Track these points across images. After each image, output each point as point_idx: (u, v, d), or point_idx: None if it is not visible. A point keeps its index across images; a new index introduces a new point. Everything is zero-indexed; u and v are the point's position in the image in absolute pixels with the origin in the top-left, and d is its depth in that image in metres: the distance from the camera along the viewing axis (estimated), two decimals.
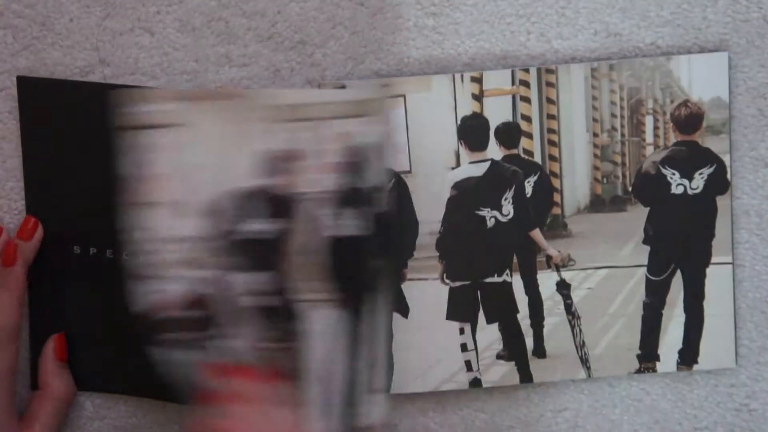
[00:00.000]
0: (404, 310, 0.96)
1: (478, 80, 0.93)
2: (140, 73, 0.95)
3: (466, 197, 0.95)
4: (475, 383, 0.96)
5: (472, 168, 0.95)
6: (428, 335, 0.96)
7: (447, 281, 0.96)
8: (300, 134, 0.82)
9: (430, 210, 0.95)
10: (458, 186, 0.95)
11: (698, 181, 0.93)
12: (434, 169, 0.95)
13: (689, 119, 0.92)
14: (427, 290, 0.96)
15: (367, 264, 0.87)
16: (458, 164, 0.95)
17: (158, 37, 0.95)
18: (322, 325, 0.84)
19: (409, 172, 0.95)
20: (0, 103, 0.96)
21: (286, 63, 0.95)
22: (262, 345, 0.82)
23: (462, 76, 0.93)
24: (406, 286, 0.96)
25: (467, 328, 0.96)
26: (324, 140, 0.83)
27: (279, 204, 0.83)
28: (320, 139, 0.83)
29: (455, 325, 0.96)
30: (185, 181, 0.82)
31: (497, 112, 0.94)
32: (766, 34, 0.91)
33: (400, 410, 0.98)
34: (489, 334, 0.97)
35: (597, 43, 0.92)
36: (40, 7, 0.95)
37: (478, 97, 0.93)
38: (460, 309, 0.96)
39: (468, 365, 0.96)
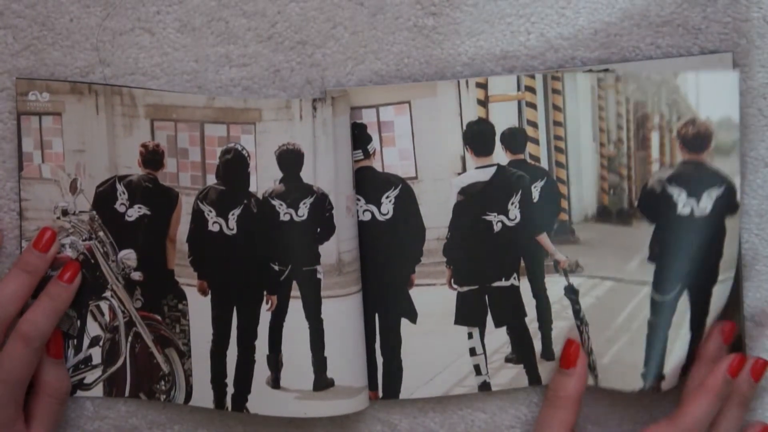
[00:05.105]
0: (413, 316, 0.92)
1: (483, 86, 0.89)
2: (140, 73, 0.91)
3: (473, 202, 0.90)
4: (484, 387, 0.92)
5: (478, 173, 0.90)
6: (437, 340, 0.92)
7: (455, 286, 0.91)
8: (182, 134, 0.89)
9: (436, 216, 0.91)
10: (464, 191, 0.90)
11: (706, 202, 0.85)
12: (440, 174, 0.90)
13: (697, 138, 0.85)
14: (436, 295, 0.92)
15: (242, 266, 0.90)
16: (464, 170, 0.90)
17: (158, 37, 0.91)
18: (196, 307, 0.92)
19: (416, 178, 0.91)
20: (0, 104, 0.92)
21: (286, 63, 0.90)
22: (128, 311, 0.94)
23: (467, 81, 0.88)
24: (414, 292, 0.92)
25: (476, 332, 0.92)
26: (203, 141, 0.89)
27: (160, 193, 0.91)
28: (200, 140, 0.89)
29: (464, 330, 0.92)
30: (77, 162, 0.92)
31: (503, 118, 0.89)
32: (766, 34, 0.86)
33: (401, 410, 0.94)
34: (497, 338, 0.92)
35: (597, 42, 0.88)
36: (40, 7, 0.91)
37: (484, 103, 0.89)
38: (469, 313, 0.92)
39: (477, 369, 0.92)
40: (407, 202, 0.91)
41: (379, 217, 0.91)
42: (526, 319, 0.92)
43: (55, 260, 0.91)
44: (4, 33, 0.92)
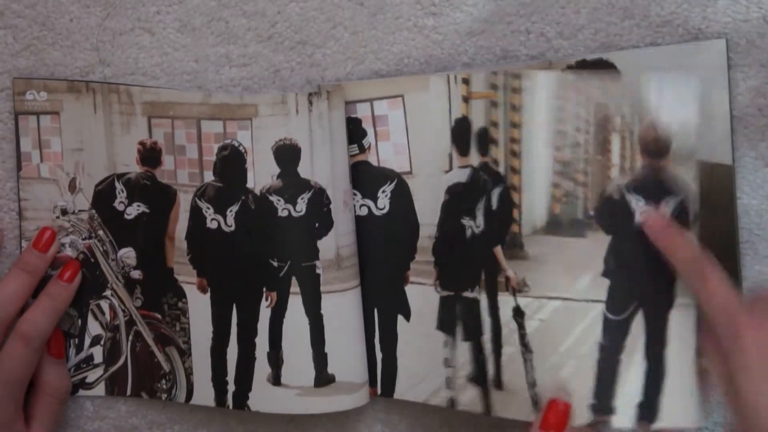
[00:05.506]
0: (407, 314, 0.90)
1: (467, 81, 0.86)
2: (140, 73, 0.90)
3: (455, 203, 0.87)
4: (452, 403, 0.88)
5: (460, 173, 0.87)
6: (425, 343, 0.89)
7: (439, 289, 0.88)
8: (179, 131, 0.88)
9: (429, 212, 0.88)
10: (450, 191, 0.87)
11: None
12: (432, 170, 0.88)
13: (657, 142, 0.80)
14: (426, 296, 0.89)
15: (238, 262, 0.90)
16: (451, 168, 0.87)
17: (158, 37, 0.90)
18: (196, 304, 0.91)
19: (410, 173, 0.88)
20: (0, 103, 0.92)
21: (286, 63, 0.89)
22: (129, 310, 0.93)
23: (456, 76, 0.86)
24: (408, 289, 0.89)
25: (450, 341, 0.88)
26: (200, 138, 0.89)
27: (158, 191, 0.91)
28: (197, 136, 0.89)
29: (442, 337, 0.88)
30: (75, 161, 0.92)
31: (478, 116, 0.85)
32: (766, 34, 0.85)
33: (401, 410, 0.92)
34: (464, 353, 0.88)
35: (597, 42, 0.86)
36: (40, 7, 0.90)
37: (467, 99, 0.86)
38: (444, 321, 0.88)
39: (447, 382, 0.88)
40: (402, 196, 0.89)
41: (376, 212, 0.89)
42: (484, 339, 0.87)
43: (55, 259, 0.90)
44: (4, 33, 0.91)
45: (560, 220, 0.84)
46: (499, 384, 0.86)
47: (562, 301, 0.83)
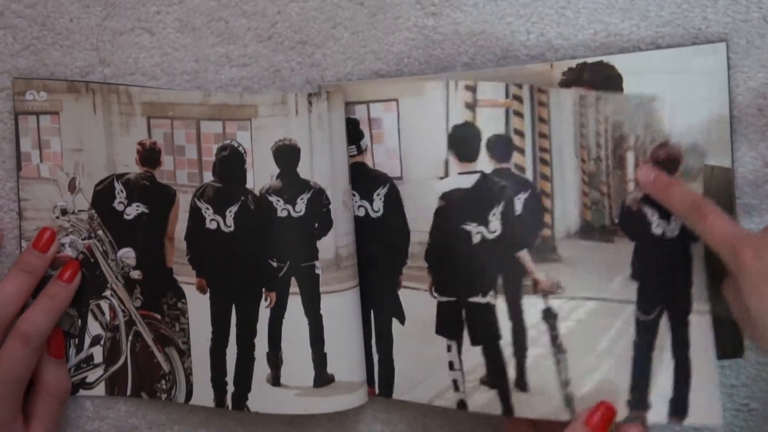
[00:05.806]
0: (401, 317, 0.89)
1: (472, 88, 0.85)
2: (140, 73, 0.90)
3: (454, 209, 0.86)
4: (462, 405, 0.87)
5: (461, 179, 0.85)
6: (422, 346, 0.88)
7: (435, 294, 0.87)
8: (178, 131, 0.88)
9: (419, 219, 0.87)
10: (446, 197, 0.86)
11: (675, 225, 0.83)
12: (424, 177, 0.87)
13: (667, 161, 0.83)
14: (420, 300, 0.88)
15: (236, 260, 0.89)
16: (446, 174, 0.86)
17: (158, 37, 0.90)
18: (196, 305, 0.91)
19: (401, 178, 0.87)
20: (0, 103, 0.91)
21: (286, 63, 0.89)
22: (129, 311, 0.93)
23: (456, 82, 0.85)
24: (402, 294, 0.89)
25: (454, 346, 0.87)
26: (199, 138, 0.88)
27: (157, 191, 0.90)
28: (197, 137, 0.88)
29: (444, 341, 0.88)
30: (75, 161, 0.92)
31: (490, 124, 0.85)
32: (766, 34, 0.85)
33: (400, 410, 0.92)
34: (474, 357, 0.87)
35: (597, 42, 0.86)
36: (40, 7, 0.90)
37: (471, 106, 0.85)
38: (447, 325, 0.87)
39: (455, 385, 0.87)
40: (394, 201, 0.88)
41: (372, 214, 0.89)
42: (502, 343, 0.86)
43: (55, 259, 0.90)
44: (4, 33, 0.91)
45: (592, 225, 0.86)
46: (523, 386, 0.86)
47: (597, 301, 0.85)
